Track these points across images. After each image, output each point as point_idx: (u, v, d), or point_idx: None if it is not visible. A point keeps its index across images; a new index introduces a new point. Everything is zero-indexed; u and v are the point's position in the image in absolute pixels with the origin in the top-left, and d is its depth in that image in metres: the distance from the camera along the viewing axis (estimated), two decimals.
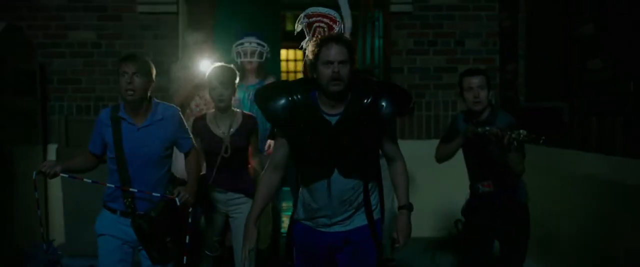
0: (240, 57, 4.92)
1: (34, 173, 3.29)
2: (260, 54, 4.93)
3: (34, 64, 5.71)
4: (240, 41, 4.95)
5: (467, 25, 6.31)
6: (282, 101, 2.85)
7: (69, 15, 6.10)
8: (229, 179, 3.86)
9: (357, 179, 2.93)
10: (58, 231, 5.73)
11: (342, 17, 3.09)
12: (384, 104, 2.85)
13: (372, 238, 3.04)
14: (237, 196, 3.92)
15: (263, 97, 2.93)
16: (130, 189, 3.34)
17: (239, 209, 3.91)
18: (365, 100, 2.83)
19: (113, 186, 3.37)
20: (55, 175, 3.29)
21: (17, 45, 5.41)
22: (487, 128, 3.63)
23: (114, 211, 3.41)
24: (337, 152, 2.85)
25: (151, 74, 3.37)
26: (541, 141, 3.43)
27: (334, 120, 2.85)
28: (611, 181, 4.25)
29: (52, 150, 5.83)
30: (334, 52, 2.77)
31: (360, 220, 3.01)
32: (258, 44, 4.92)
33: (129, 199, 3.35)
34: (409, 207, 3.06)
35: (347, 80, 2.80)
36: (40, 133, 5.82)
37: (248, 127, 3.95)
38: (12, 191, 5.06)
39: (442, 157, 3.97)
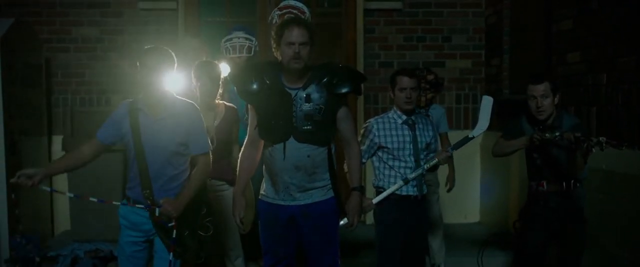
0: (229, 53, 4.72)
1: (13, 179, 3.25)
2: (249, 49, 4.72)
3: (41, 58, 5.89)
4: (229, 36, 4.77)
5: (454, 22, 6.49)
6: (253, 79, 3.27)
7: (73, 11, 6.27)
8: (213, 167, 3.89)
9: (311, 147, 3.25)
10: (64, 219, 5.98)
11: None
12: (339, 81, 3.24)
13: (334, 213, 3.36)
14: (219, 183, 4.12)
15: (238, 77, 3.39)
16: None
17: (222, 194, 4.12)
18: (324, 79, 3.23)
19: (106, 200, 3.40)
20: (33, 185, 3.22)
21: (25, 39, 5.58)
22: (557, 133, 3.46)
23: (128, 199, 3.43)
24: (293, 119, 3.23)
25: (169, 67, 3.32)
26: (623, 147, 3.32)
27: (294, 92, 3.23)
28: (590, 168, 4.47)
29: (57, 141, 6.02)
30: (296, 33, 3.15)
31: (319, 195, 3.33)
32: (246, 38, 4.73)
33: (148, 191, 3.33)
34: (360, 189, 3.41)
35: (307, 59, 3.20)
36: (46, 124, 6.01)
37: (231, 118, 4.12)
38: None
39: (499, 153, 3.85)
